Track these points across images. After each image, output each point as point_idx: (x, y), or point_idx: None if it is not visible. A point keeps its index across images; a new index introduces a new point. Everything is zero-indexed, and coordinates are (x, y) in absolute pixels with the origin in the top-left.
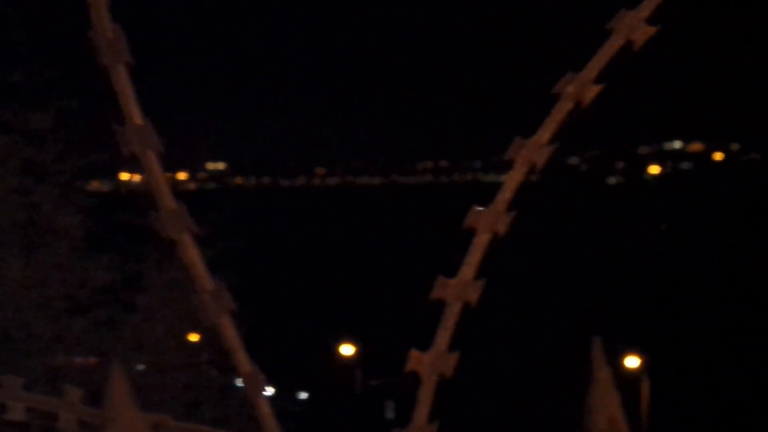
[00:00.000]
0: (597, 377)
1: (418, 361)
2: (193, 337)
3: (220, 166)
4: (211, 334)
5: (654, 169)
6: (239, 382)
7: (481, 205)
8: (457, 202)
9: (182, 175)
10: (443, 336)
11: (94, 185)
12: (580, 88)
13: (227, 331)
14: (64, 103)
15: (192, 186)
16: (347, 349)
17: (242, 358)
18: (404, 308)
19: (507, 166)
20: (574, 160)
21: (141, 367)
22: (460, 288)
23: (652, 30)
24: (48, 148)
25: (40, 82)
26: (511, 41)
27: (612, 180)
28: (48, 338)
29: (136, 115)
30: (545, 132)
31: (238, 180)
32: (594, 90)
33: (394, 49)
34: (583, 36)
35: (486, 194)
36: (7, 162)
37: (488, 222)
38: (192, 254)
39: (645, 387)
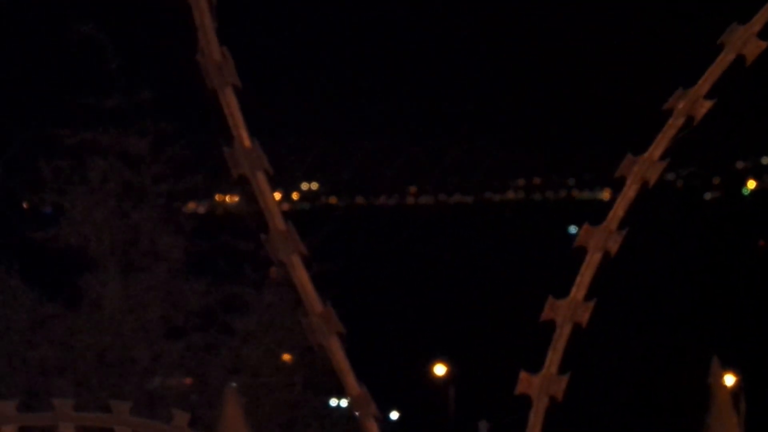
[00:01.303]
0: (715, 397)
1: (528, 383)
2: (287, 357)
3: (313, 186)
4: (319, 356)
5: (751, 184)
6: (335, 403)
7: (591, 223)
8: (551, 219)
9: (276, 195)
10: (553, 358)
11: (191, 206)
12: (691, 103)
13: (336, 353)
14: (161, 126)
15: (285, 207)
16: (440, 369)
17: (352, 380)
18: (499, 328)
19: (619, 183)
20: (670, 176)
21: (234, 385)
22: (570, 309)
23: (763, 45)
24: (146, 171)
25: (136, 106)
26: (607, 57)
27: (708, 195)
28: (146, 361)
29: (245, 137)
30: (657, 148)
31: (332, 200)
32: (705, 105)
33: (486, 67)
34: (683, 51)
35: (580, 211)
36: (106, 185)
37: (600, 240)
38: (301, 275)
39: (743, 406)
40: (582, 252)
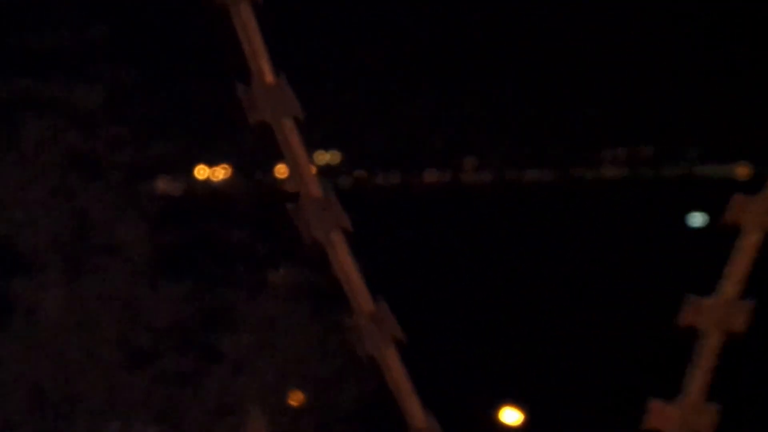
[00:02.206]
0: None
1: (661, 416)
2: (297, 398)
3: (333, 157)
4: (368, 371)
5: None
6: None
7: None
8: (664, 201)
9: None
10: (697, 380)
11: (162, 185)
12: None
13: (393, 367)
14: (120, 73)
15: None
16: (511, 416)
17: (414, 406)
18: (593, 362)
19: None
20: None
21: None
22: (720, 311)
23: None
24: (100, 134)
25: (87, 45)
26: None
27: None
28: (98, 399)
29: (267, 71)
30: None
31: (359, 175)
32: None
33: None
34: None
35: (705, 193)
36: (47, 151)
37: (759, 215)
38: (345, 260)
39: None
40: (733, 231)
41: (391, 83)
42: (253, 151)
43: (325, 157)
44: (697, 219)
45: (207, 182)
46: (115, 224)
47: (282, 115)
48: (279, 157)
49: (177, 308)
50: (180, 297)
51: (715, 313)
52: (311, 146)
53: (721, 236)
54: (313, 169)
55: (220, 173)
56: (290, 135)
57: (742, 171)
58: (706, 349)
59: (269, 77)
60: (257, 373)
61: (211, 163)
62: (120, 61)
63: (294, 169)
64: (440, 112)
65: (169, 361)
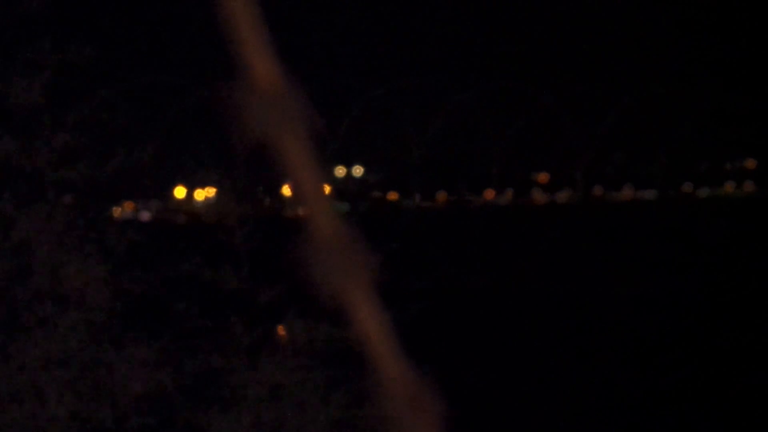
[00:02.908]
0: None
1: None
2: None
3: (357, 171)
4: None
5: None
6: None
7: None
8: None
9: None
10: None
11: (126, 208)
12: None
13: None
14: (68, 57)
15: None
16: None
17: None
18: None
19: None
20: None
21: None
22: None
23: None
24: (42, 142)
25: (27, 21)
26: None
27: None
28: None
29: (269, 70)
30: None
31: (391, 196)
32: None
33: None
34: None
35: None
36: None
37: None
38: (370, 315)
39: None
40: None
41: (437, 79)
42: (249, 167)
43: (346, 171)
44: None
45: (188, 205)
46: (65, 264)
47: (287, 124)
48: (284, 175)
49: (149, 377)
50: (153, 361)
51: None
52: (332, 158)
53: None
54: (327, 189)
55: (203, 194)
56: (296, 147)
57: None
58: None
59: (271, 78)
60: None
61: (194, 181)
62: (69, 41)
63: (300, 189)
64: (501, 108)
65: None
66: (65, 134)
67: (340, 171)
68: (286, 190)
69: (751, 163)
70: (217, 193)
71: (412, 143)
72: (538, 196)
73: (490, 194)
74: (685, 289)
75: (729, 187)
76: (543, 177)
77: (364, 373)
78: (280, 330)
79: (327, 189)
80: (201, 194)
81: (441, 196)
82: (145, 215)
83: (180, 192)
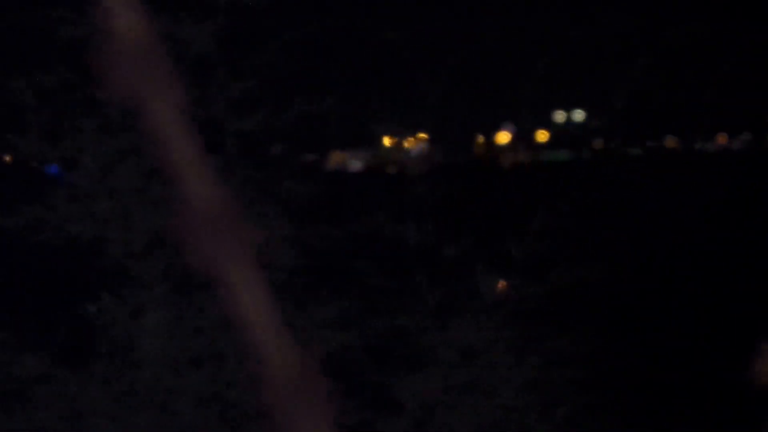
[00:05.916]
0: None
1: None
2: None
3: (577, 116)
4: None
5: None
6: None
7: None
8: None
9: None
10: None
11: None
12: None
13: None
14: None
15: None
16: None
17: None
18: None
19: None
20: None
21: None
22: None
23: None
24: (216, 88)
25: None
26: None
27: None
28: None
29: None
30: None
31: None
32: None
33: None
34: None
35: None
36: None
37: None
38: None
39: None
40: None
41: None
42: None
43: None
44: None
45: (397, 154)
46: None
47: None
48: (477, 126)
49: (332, 339)
50: (336, 323)
51: None
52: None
53: None
54: (545, 135)
55: (406, 143)
56: None
57: None
58: None
59: None
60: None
61: (403, 128)
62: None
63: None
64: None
65: None
66: (242, 83)
67: (559, 116)
68: (502, 137)
69: None
70: (428, 141)
71: (637, 85)
72: None
73: (722, 139)
74: None
75: None
76: None
77: (559, 332)
78: (501, 285)
79: (545, 135)
80: (411, 142)
81: (670, 142)
82: (355, 165)
83: (388, 141)
